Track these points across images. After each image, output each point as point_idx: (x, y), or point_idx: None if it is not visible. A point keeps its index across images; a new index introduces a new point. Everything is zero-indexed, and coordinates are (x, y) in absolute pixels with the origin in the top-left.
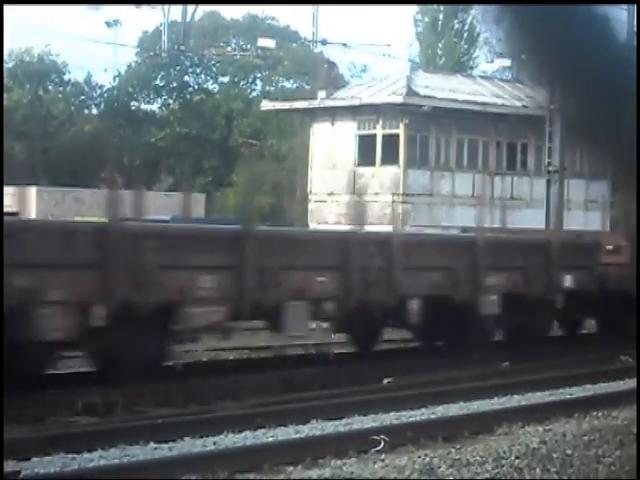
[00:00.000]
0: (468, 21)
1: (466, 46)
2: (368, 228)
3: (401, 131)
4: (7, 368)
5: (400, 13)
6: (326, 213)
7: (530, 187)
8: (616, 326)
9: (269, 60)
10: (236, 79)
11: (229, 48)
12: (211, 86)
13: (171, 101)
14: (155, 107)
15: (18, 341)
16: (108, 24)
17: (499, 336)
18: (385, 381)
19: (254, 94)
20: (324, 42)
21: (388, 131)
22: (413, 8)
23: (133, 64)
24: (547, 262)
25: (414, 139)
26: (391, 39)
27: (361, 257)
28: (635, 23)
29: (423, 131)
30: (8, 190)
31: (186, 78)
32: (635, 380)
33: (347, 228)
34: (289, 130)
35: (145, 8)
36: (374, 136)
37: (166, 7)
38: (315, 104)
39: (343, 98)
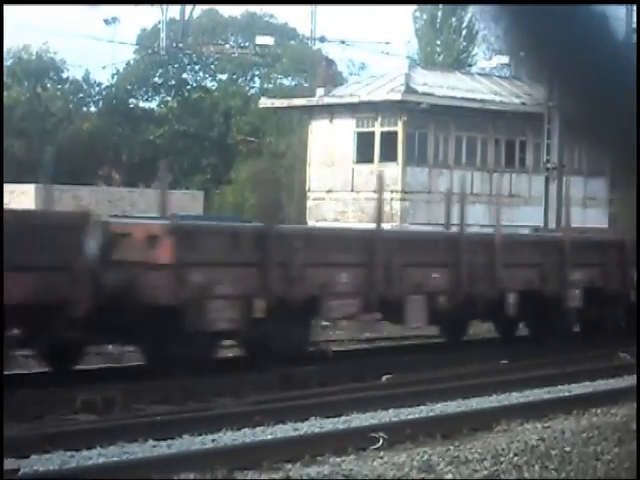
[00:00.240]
0: (467, 18)
1: (465, 43)
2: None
3: (399, 128)
4: (179, 355)
5: (398, 10)
6: (324, 210)
7: (529, 184)
8: None
9: (267, 58)
10: (234, 77)
11: (227, 46)
12: (209, 84)
13: (169, 99)
14: (153, 105)
15: (191, 331)
16: (106, 22)
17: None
18: (384, 378)
19: (252, 92)
20: (322, 39)
21: (386, 128)
22: (412, 5)
23: (131, 62)
24: (621, 259)
25: (412, 136)
26: (389, 36)
27: (468, 255)
28: (634, 22)
29: (421, 128)
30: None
31: (184, 76)
32: (635, 377)
33: (457, 230)
34: (287, 127)
35: (143, 6)
36: (372, 133)
37: (164, 5)
38: (313, 102)
39: (341, 96)
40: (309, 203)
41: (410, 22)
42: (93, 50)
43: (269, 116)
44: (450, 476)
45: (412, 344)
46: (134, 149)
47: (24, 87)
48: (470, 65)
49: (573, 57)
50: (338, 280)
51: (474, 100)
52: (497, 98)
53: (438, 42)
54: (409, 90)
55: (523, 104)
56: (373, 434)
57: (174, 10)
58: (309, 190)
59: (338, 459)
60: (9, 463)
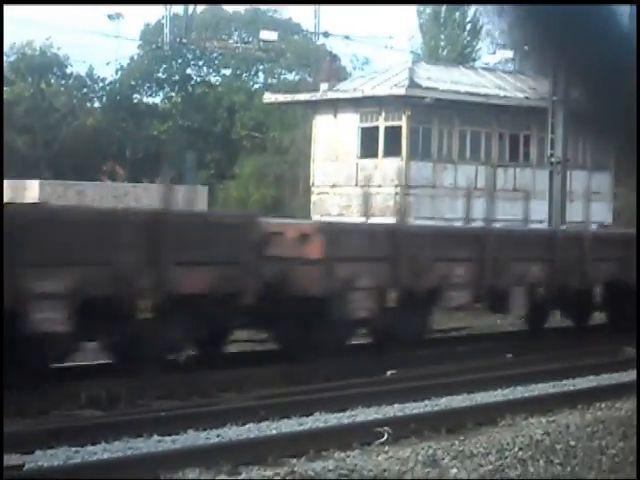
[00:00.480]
0: (470, 13)
1: (469, 38)
2: (375, 220)
3: (403, 123)
4: (321, 340)
5: (402, 5)
6: (329, 205)
7: (533, 179)
8: None
9: (271, 53)
10: (238, 72)
11: (231, 41)
12: (213, 79)
13: (173, 94)
14: (157, 100)
15: (332, 319)
16: (110, 17)
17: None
18: (389, 373)
19: (256, 87)
20: (326, 34)
21: (390, 123)
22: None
23: (135, 57)
24: None
25: (416, 131)
26: (393, 31)
27: (563, 250)
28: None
29: (425, 123)
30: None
31: (188, 71)
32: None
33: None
34: (291, 122)
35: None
36: (376, 128)
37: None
38: (317, 96)
39: (345, 90)
40: (313, 198)
41: (414, 17)
42: (97, 46)
43: (273, 111)
44: (455, 470)
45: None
46: (138, 144)
47: (28, 83)
48: (474, 60)
49: (578, 50)
50: (455, 273)
51: (478, 94)
52: (501, 92)
53: (442, 37)
54: (413, 85)
55: (527, 98)
56: (378, 429)
57: (178, 6)
58: (313, 185)
59: (343, 454)
60: (14, 459)
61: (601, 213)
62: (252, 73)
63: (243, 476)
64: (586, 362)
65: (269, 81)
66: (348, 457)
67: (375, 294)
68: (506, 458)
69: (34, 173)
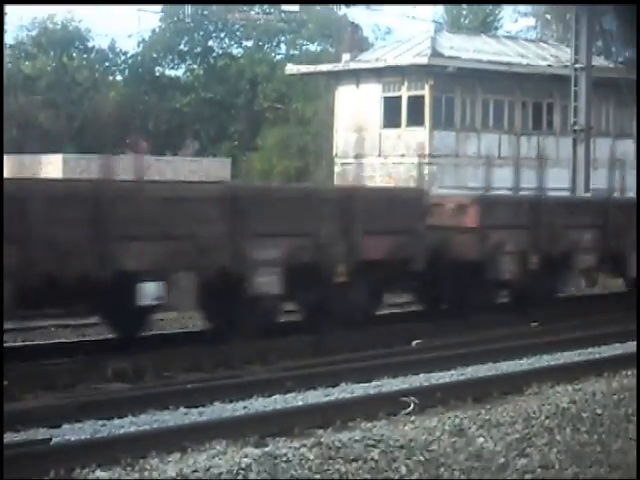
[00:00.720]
0: None
1: (490, 6)
2: None
3: (426, 92)
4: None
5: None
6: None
7: (556, 146)
8: None
9: (293, 23)
10: (260, 43)
11: (252, 12)
12: (235, 51)
13: (195, 66)
14: (179, 73)
15: (485, 280)
16: None
17: None
18: (414, 343)
19: (278, 58)
20: (348, 4)
21: (413, 93)
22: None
23: (157, 30)
24: None
25: (439, 100)
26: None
27: None
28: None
29: (448, 92)
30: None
31: (210, 43)
32: None
33: None
34: (314, 93)
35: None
36: (399, 98)
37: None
38: (340, 67)
39: (368, 60)
40: (337, 168)
41: None
42: (119, 19)
43: (295, 82)
44: (482, 440)
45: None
46: (161, 117)
47: (50, 57)
48: (496, 28)
49: None
50: (583, 239)
51: (500, 63)
52: (524, 61)
53: (464, 5)
54: (435, 54)
55: (550, 66)
56: (404, 399)
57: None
58: (336, 156)
59: (369, 424)
60: (41, 433)
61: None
62: (274, 44)
63: (270, 448)
64: (612, 329)
65: (291, 52)
66: (374, 427)
67: (519, 258)
68: (533, 427)
69: (57, 147)
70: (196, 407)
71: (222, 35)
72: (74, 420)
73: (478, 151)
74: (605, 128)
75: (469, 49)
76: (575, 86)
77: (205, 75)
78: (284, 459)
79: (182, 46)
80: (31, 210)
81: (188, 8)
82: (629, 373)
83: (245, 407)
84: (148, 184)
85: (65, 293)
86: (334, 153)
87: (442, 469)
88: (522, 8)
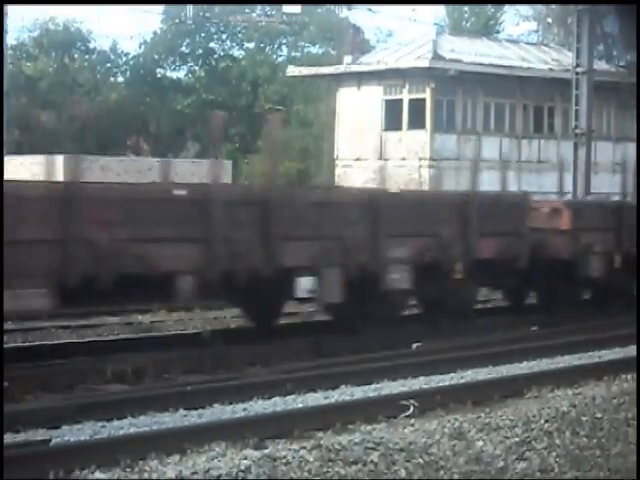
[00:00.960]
0: None
1: (492, 9)
2: None
3: (427, 95)
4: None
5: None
6: (353, 178)
7: (557, 150)
8: None
9: (295, 26)
10: (262, 45)
11: (254, 14)
12: (237, 52)
13: (197, 68)
14: (181, 74)
15: (576, 278)
16: None
17: None
18: (414, 346)
19: (280, 60)
20: (349, 7)
21: (414, 95)
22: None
23: (158, 31)
24: None
25: (441, 103)
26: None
27: None
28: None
29: (450, 95)
30: (36, 160)
31: (212, 45)
32: None
33: None
34: (315, 96)
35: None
36: (400, 101)
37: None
38: (341, 69)
39: (369, 63)
40: (337, 171)
41: None
42: (120, 20)
43: (297, 84)
44: (481, 443)
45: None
46: (162, 119)
47: (51, 58)
48: (498, 31)
49: None
50: None
51: (502, 66)
52: (525, 64)
53: (465, 8)
54: (437, 57)
55: (551, 70)
56: (404, 402)
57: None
58: (337, 158)
59: (369, 427)
60: (40, 434)
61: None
62: (275, 46)
63: (269, 450)
64: (611, 333)
65: (292, 54)
66: (374, 430)
67: (605, 258)
68: (532, 430)
69: (58, 148)
70: (195, 409)
71: (224, 37)
72: (73, 421)
73: (479, 154)
74: (606, 132)
75: (471, 52)
76: (576, 90)
77: (206, 77)
78: (283, 461)
79: (183, 48)
80: (214, 213)
81: (190, 10)
82: (629, 377)
83: (245, 409)
84: (305, 190)
85: (236, 287)
86: (335, 155)
87: (441, 472)
88: (524, 12)
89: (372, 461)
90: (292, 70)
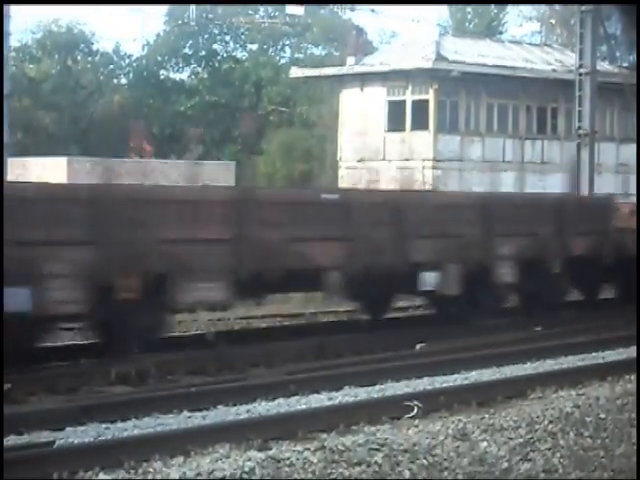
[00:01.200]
0: None
1: (495, 10)
2: None
3: (431, 96)
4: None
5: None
6: (356, 179)
7: (560, 151)
8: None
9: (298, 27)
10: (265, 47)
11: (257, 16)
12: (240, 54)
13: (200, 70)
14: (184, 76)
15: None
16: None
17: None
18: (418, 347)
19: (283, 61)
20: (352, 8)
21: (418, 96)
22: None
23: (162, 33)
24: None
25: (444, 104)
26: (420, 4)
27: None
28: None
29: (453, 96)
30: (39, 161)
31: (215, 46)
32: None
33: None
34: (318, 97)
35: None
36: (404, 102)
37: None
38: (344, 70)
39: (372, 64)
40: (341, 172)
41: None
42: (123, 22)
43: (300, 86)
44: (485, 444)
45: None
46: (165, 120)
47: (54, 60)
48: (501, 32)
49: None
50: None
51: (505, 67)
52: (528, 65)
53: (469, 9)
54: (440, 58)
55: (554, 71)
56: (408, 402)
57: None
58: (340, 159)
59: (373, 428)
60: (44, 436)
61: (628, 185)
62: (279, 48)
63: (273, 451)
64: (615, 334)
65: (296, 56)
66: (378, 431)
67: None
68: (536, 431)
69: (61, 150)
70: (200, 410)
71: (227, 38)
72: (77, 423)
73: (482, 155)
74: (610, 133)
75: (474, 53)
76: (579, 90)
77: (210, 78)
78: (287, 463)
79: (187, 49)
80: (356, 215)
81: (193, 11)
82: (632, 378)
83: (248, 410)
84: (431, 194)
85: (373, 280)
86: (338, 156)
87: (445, 473)
88: (527, 12)
89: (376, 462)
90: (295, 71)
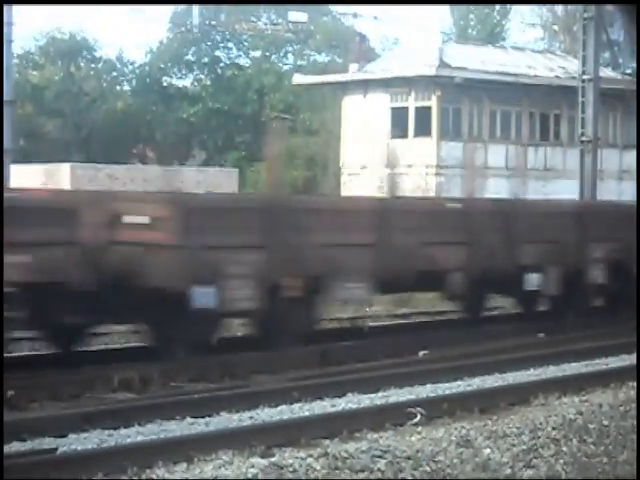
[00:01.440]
0: None
1: (498, 17)
2: None
3: (433, 103)
4: None
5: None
6: (360, 186)
7: (563, 158)
8: None
9: (300, 34)
10: (267, 54)
11: (260, 22)
12: (243, 61)
13: (203, 76)
14: (187, 83)
15: None
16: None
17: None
18: (421, 353)
19: (286, 68)
20: (355, 15)
21: (421, 103)
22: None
23: (165, 40)
24: None
25: (447, 111)
26: (422, 11)
27: None
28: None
29: (455, 103)
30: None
31: (217, 53)
32: None
33: None
34: (321, 104)
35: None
36: (406, 109)
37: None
38: (347, 77)
39: (375, 71)
40: (343, 179)
41: None
42: (126, 29)
43: (302, 93)
44: (488, 450)
45: (449, 319)
46: (168, 127)
47: (57, 67)
48: (504, 39)
49: None
50: None
51: (508, 74)
52: (531, 72)
53: (471, 16)
54: (443, 65)
55: (557, 77)
56: (411, 409)
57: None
58: (343, 166)
59: (376, 435)
60: (47, 442)
61: (631, 192)
62: (281, 55)
63: (276, 458)
64: (619, 341)
65: (298, 63)
66: (381, 438)
67: None
68: (539, 438)
69: (65, 157)
70: (203, 417)
71: (230, 45)
72: (80, 430)
73: (485, 162)
74: (612, 139)
75: (477, 60)
76: (582, 97)
77: (212, 85)
78: (290, 469)
79: (189, 56)
80: (475, 222)
81: (196, 18)
82: (636, 384)
83: (251, 417)
84: (535, 202)
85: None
86: (341, 163)
87: None
88: (530, 19)
89: (379, 469)
90: (298, 78)
